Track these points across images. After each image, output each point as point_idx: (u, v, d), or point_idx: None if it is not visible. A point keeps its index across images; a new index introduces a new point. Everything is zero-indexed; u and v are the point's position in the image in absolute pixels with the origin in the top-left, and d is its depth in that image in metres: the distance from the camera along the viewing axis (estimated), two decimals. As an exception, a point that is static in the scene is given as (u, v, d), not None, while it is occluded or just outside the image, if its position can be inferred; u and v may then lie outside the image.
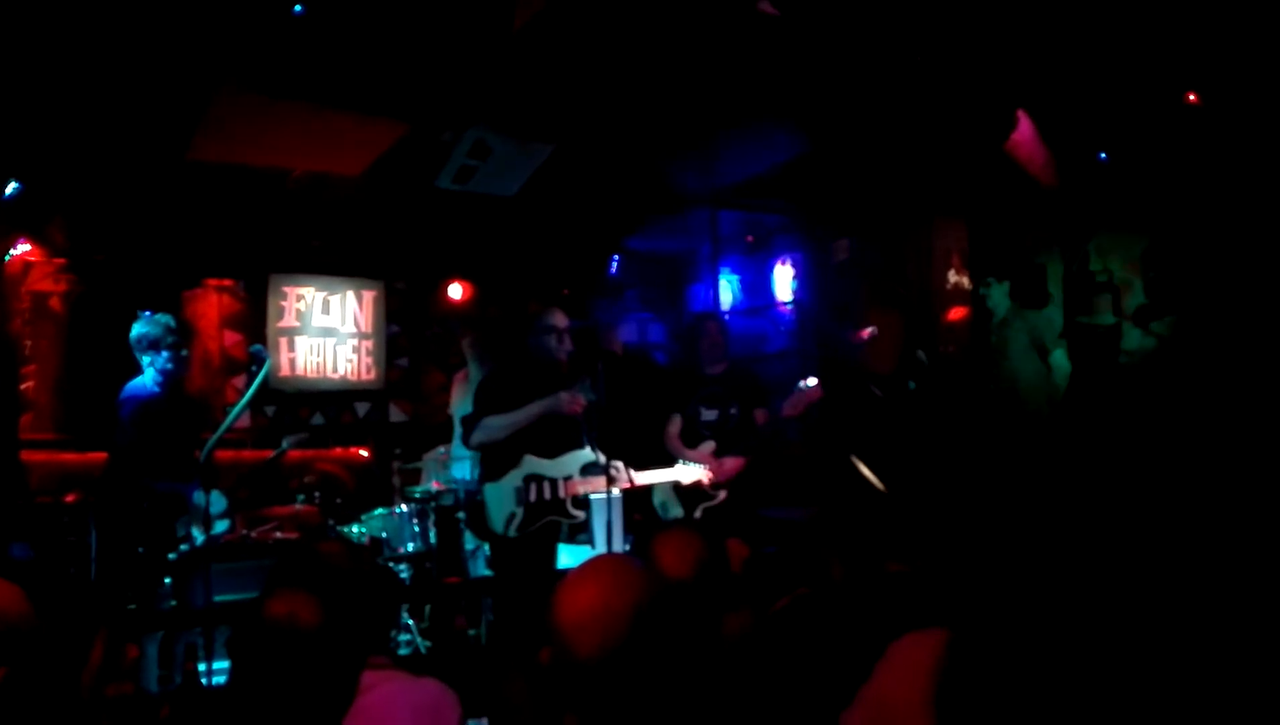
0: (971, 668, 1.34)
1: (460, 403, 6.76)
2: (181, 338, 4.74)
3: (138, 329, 4.62)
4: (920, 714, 1.37)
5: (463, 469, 6.06)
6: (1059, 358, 5.61)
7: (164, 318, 4.68)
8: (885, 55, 4.61)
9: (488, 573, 5.30)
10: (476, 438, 4.57)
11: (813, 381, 4.84)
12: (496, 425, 4.49)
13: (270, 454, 5.60)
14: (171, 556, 4.45)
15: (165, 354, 4.60)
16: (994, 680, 1.31)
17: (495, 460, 4.57)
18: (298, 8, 3.54)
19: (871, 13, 4.34)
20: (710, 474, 4.80)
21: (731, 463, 4.89)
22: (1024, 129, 4.98)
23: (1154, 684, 1.32)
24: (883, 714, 1.52)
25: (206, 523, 4.28)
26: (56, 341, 6.73)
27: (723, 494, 4.88)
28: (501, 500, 4.48)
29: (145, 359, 4.62)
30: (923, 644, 1.51)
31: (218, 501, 4.56)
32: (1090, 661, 1.30)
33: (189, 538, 4.44)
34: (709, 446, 4.91)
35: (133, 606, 4.36)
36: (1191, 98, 4.83)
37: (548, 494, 4.47)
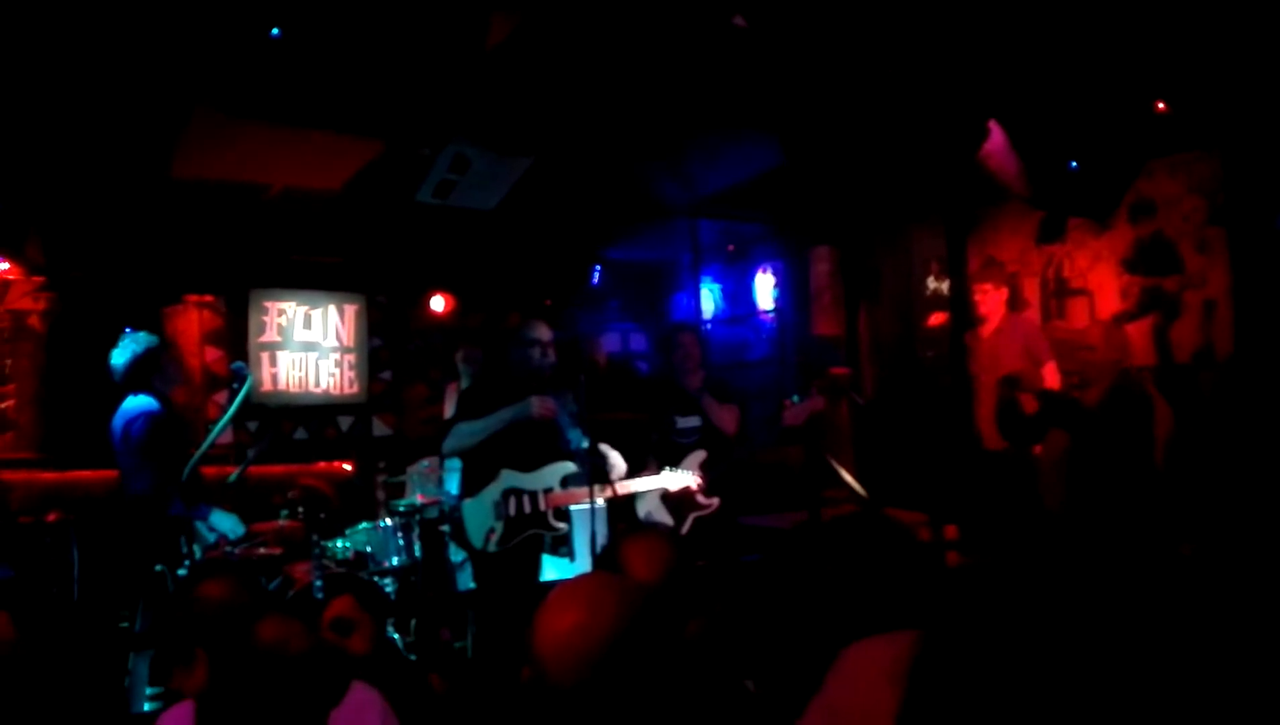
0: (947, 670, 1.33)
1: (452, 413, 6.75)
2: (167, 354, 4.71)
3: (132, 350, 4.49)
4: (878, 720, 1.36)
5: (454, 482, 6.05)
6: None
7: (149, 337, 4.58)
8: (857, 66, 4.66)
9: (473, 585, 5.29)
10: (448, 444, 4.57)
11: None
12: (467, 431, 4.47)
13: (234, 470, 5.57)
14: (181, 572, 4.41)
15: (162, 372, 4.54)
16: (970, 683, 1.31)
17: (473, 476, 4.55)
18: (275, 30, 3.55)
19: (843, 24, 4.38)
20: (701, 480, 4.74)
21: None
22: (995, 139, 5.04)
23: (1129, 684, 1.33)
24: (838, 721, 1.50)
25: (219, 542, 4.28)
26: (36, 360, 6.71)
27: (715, 502, 4.82)
28: (479, 516, 4.45)
29: (148, 378, 4.50)
30: (880, 648, 1.49)
31: (221, 519, 4.50)
32: (1066, 662, 1.31)
33: (191, 554, 4.42)
34: (699, 455, 4.89)
35: (126, 625, 4.33)
36: (1161, 106, 4.90)
37: (528, 507, 4.44)
